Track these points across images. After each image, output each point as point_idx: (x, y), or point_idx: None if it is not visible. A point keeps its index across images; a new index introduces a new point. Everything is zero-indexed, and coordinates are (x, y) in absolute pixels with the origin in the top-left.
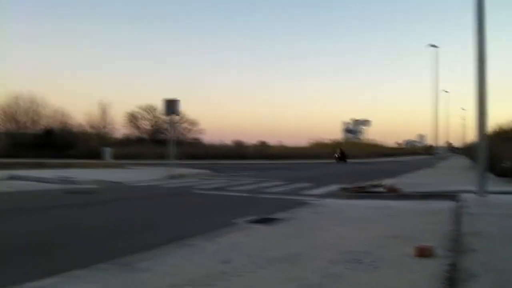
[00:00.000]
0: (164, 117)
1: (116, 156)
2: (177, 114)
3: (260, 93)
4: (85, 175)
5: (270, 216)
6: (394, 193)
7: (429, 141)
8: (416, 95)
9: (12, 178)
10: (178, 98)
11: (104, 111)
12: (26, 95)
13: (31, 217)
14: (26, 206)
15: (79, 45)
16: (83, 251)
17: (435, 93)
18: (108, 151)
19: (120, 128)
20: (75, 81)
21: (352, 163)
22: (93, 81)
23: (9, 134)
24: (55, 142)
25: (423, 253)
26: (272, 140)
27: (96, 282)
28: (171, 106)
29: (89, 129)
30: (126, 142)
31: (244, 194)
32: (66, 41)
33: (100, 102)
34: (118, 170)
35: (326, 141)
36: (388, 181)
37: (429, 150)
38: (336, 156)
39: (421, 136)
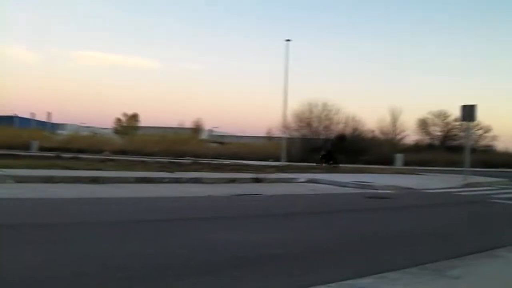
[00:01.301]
0: (458, 123)
1: (407, 162)
2: (474, 120)
3: None
4: (379, 180)
5: None
6: None
7: None
8: None
9: (310, 181)
10: (475, 104)
11: (395, 118)
12: (320, 102)
13: (333, 218)
14: (329, 209)
15: (371, 53)
16: (388, 254)
17: None
18: (399, 157)
19: (410, 134)
20: (367, 88)
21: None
22: (384, 88)
23: (304, 140)
24: (347, 148)
25: None
26: None
27: (409, 285)
28: (468, 111)
29: (380, 135)
30: (416, 148)
31: None
32: (358, 49)
33: (391, 108)
34: (410, 176)
35: None
36: None
37: None
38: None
39: None
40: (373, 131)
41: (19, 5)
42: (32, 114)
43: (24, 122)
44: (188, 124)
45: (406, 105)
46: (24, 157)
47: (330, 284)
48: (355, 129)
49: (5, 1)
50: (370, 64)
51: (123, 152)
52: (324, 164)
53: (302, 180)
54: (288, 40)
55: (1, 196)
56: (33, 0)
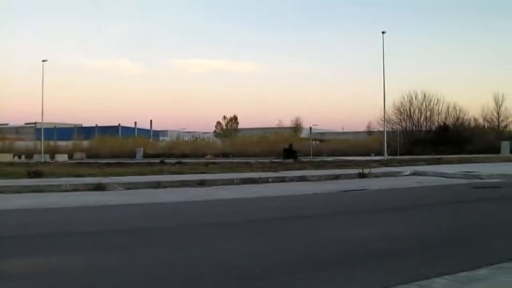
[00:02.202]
0: None
1: None
2: None
3: None
4: (486, 169)
5: None
6: None
7: None
8: None
9: (415, 173)
10: None
11: (499, 104)
12: (420, 93)
13: (442, 209)
14: (437, 201)
15: (470, 39)
16: (503, 244)
17: None
18: (506, 145)
19: None
20: (468, 75)
21: None
22: (486, 74)
23: (406, 132)
24: (451, 138)
25: None
26: None
27: None
28: None
29: (484, 123)
30: None
31: None
32: (457, 37)
33: (494, 94)
34: None
35: None
36: None
37: None
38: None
39: None
40: (476, 119)
41: (121, 20)
42: (135, 123)
43: (128, 131)
44: (287, 123)
45: (510, 90)
46: (131, 164)
47: (445, 276)
48: (457, 119)
49: (108, 16)
50: (470, 51)
51: (225, 154)
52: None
53: (408, 173)
54: (383, 32)
55: (113, 203)
56: (134, 13)
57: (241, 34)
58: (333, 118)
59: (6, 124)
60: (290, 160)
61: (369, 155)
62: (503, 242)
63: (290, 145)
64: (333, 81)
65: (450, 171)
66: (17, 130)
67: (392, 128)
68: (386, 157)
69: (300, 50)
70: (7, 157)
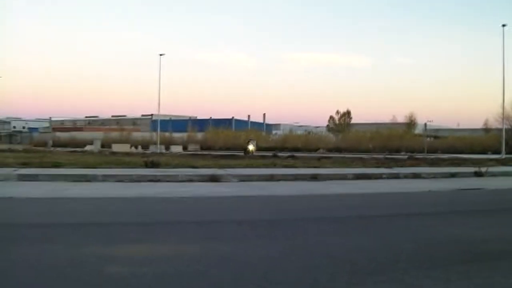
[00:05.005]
0: None
1: None
2: None
3: None
4: None
5: None
6: None
7: None
8: None
9: None
10: None
11: None
12: None
13: None
14: None
15: None
16: None
17: None
18: None
19: None
20: None
21: None
22: None
23: None
24: None
25: None
26: None
27: None
28: None
29: None
30: None
31: None
32: None
33: None
34: None
35: None
36: None
37: None
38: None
39: None
40: None
41: (234, 13)
42: (248, 116)
43: (241, 124)
44: (401, 119)
45: None
46: (244, 157)
47: None
48: None
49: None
50: None
51: (337, 149)
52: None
53: None
54: (504, 25)
55: (227, 194)
56: (248, 10)
57: (354, 29)
58: (449, 114)
59: (124, 116)
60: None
61: (485, 153)
62: None
63: None
64: (450, 76)
65: None
66: (134, 121)
67: (511, 126)
68: (504, 155)
69: (415, 43)
70: (125, 147)
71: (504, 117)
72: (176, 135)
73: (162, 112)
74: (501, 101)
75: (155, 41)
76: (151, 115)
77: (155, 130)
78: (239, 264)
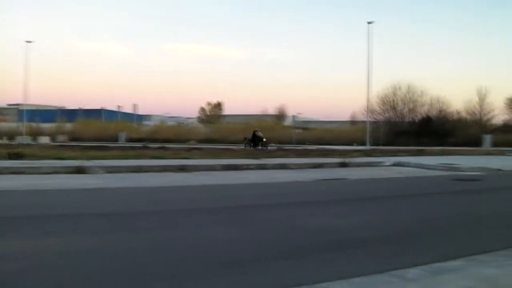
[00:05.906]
0: None
1: (496, 144)
2: None
3: None
4: (467, 162)
5: None
6: None
7: None
8: None
9: (396, 164)
10: None
11: (482, 98)
12: (404, 85)
13: (420, 200)
14: (416, 192)
15: (456, 32)
16: (478, 236)
17: None
18: (487, 138)
19: (499, 115)
20: (453, 68)
21: None
22: (470, 68)
23: (388, 123)
24: (433, 130)
25: None
26: None
27: (500, 267)
28: None
29: (467, 116)
30: (505, 128)
31: None
32: (442, 30)
33: (478, 88)
34: (499, 157)
35: None
36: None
37: None
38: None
39: None
40: (459, 112)
41: (121, 7)
42: (119, 106)
43: (111, 114)
44: (272, 111)
45: (494, 84)
46: (113, 148)
47: (420, 266)
48: (440, 111)
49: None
50: (455, 44)
51: (208, 140)
52: (251, 148)
53: (389, 163)
54: (370, 23)
55: (94, 186)
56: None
57: (230, 20)
58: (318, 107)
59: None
60: (259, 148)
61: (352, 145)
62: (478, 234)
63: (255, 132)
64: (319, 70)
65: (431, 163)
66: (0, 111)
67: (375, 119)
68: (368, 147)
69: (287, 37)
70: None
71: (369, 110)
72: (45, 125)
73: (30, 102)
74: (366, 95)
75: (22, 27)
76: (18, 104)
77: (22, 120)
78: (106, 256)
